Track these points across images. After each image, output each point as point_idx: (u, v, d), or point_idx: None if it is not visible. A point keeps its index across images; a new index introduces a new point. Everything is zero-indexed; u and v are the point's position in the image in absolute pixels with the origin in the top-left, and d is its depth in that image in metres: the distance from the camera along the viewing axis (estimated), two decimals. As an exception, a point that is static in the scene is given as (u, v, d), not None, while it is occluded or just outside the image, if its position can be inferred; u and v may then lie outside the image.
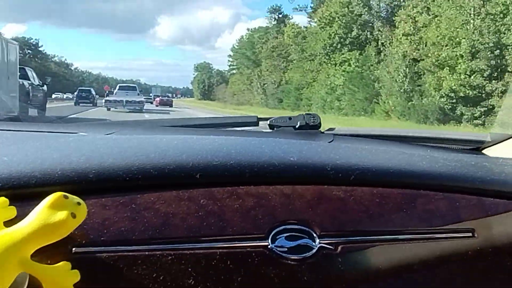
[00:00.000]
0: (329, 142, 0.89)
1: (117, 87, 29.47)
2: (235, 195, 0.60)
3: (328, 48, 30.80)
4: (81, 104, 25.39)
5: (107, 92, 32.39)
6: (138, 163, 0.59)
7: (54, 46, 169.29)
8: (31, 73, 12.44)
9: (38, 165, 0.57)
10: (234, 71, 56.80)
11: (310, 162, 0.67)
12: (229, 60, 58.29)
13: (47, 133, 0.87)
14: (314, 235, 0.59)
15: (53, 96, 48.39)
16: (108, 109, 21.70)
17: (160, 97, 42.55)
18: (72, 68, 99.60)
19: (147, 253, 0.54)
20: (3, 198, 0.51)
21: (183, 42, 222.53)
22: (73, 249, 0.52)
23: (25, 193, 0.54)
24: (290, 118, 1.03)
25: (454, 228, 0.65)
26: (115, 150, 0.69)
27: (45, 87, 13.36)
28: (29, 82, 11.70)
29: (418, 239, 0.63)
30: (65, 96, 54.45)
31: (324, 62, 31.17)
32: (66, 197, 0.50)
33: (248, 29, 59.53)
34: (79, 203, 0.51)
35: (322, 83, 29.92)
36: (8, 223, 0.50)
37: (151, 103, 39.19)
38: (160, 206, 0.56)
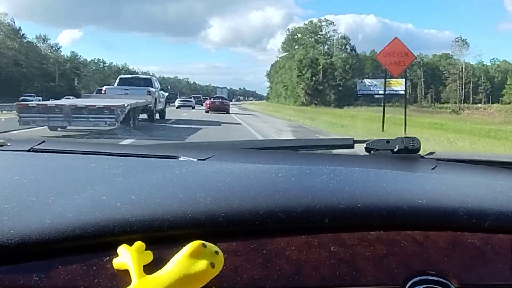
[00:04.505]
0: (432, 168, 0.88)
1: (117, 80, 16.81)
2: (366, 242, 0.57)
3: None
4: None
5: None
6: (266, 206, 0.59)
7: (108, 50, 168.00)
8: None
9: (168, 207, 0.58)
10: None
11: (440, 206, 0.64)
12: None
13: (151, 158, 0.89)
14: (452, 287, 0.55)
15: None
16: (53, 129, 9.93)
17: (212, 100, 28.71)
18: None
19: None
20: (140, 243, 0.51)
21: (235, 44, 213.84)
22: None
23: (157, 236, 0.54)
24: (388, 141, 1.01)
25: None
26: (236, 188, 0.68)
27: None
28: None
29: None
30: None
31: None
32: (205, 246, 0.49)
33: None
34: (217, 252, 0.50)
35: None
36: (145, 268, 0.50)
37: (192, 107, 33.14)
38: (291, 252, 0.55)
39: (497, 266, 0.57)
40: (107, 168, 0.79)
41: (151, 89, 14.99)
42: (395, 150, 0.99)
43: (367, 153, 1.02)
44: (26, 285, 0.48)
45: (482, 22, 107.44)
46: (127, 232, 0.53)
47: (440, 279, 0.54)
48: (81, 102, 10.31)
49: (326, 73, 49.13)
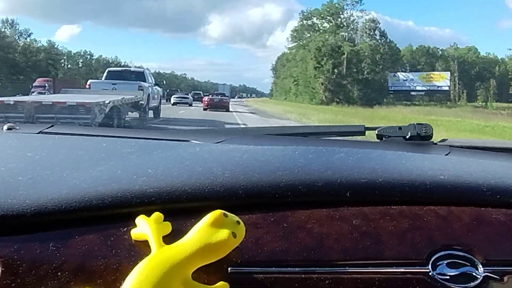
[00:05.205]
0: (446, 154, 0.88)
1: (105, 73, 15.55)
2: (389, 216, 0.57)
3: None
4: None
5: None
6: (286, 179, 0.58)
7: (105, 46, 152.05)
8: None
9: (185, 179, 0.57)
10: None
11: (463, 181, 0.63)
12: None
13: (163, 140, 0.90)
14: (477, 262, 0.54)
15: None
16: None
17: (210, 97, 26.86)
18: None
19: (303, 276, 0.51)
20: (159, 214, 0.51)
21: (234, 41, 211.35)
22: (229, 268, 0.50)
23: (176, 208, 0.54)
24: (400, 128, 1.01)
25: None
26: (254, 163, 0.67)
27: None
28: None
29: None
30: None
31: None
32: (226, 215, 0.49)
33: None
34: (238, 222, 0.49)
35: None
36: (164, 239, 0.49)
37: (189, 104, 30.14)
38: (312, 225, 0.55)
39: None
40: (119, 147, 0.78)
41: (144, 83, 13.64)
42: (407, 136, 0.98)
43: (378, 140, 1.01)
44: (42, 254, 0.48)
45: (482, 20, 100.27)
46: (144, 203, 0.53)
47: (465, 254, 0.53)
48: (48, 98, 9.34)
49: (350, 64, 39.99)
